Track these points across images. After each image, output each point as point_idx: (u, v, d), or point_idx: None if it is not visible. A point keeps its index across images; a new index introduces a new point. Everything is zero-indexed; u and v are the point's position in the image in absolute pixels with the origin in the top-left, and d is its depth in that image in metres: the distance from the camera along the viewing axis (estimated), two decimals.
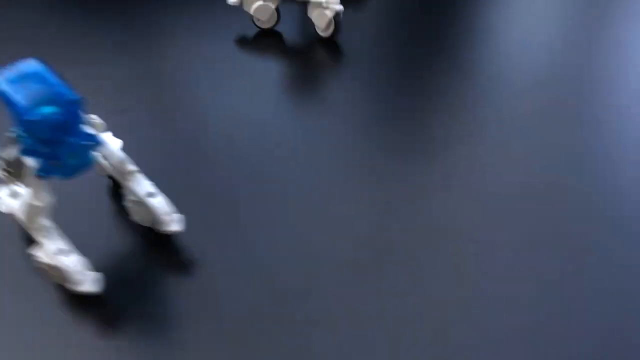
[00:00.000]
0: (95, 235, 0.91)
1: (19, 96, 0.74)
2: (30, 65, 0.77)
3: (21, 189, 0.88)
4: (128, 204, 0.90)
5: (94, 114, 1.05)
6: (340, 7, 1.25)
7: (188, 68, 1.21)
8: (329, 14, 1.25)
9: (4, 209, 0.88)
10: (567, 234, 0.92)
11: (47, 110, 0.73)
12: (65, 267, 0.80)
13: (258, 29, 1.31)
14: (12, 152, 0.80)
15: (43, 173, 0.78)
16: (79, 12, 1.35)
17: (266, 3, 1.26)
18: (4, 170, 0.82)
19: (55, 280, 0.84)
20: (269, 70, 1.22)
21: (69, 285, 0.82)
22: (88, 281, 0.81)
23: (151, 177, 0.97)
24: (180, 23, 1.33)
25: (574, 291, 0.85)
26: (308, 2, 1.27)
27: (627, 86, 1.20)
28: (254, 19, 1.30)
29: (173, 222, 0.88)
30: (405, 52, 1.28)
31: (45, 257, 0.81)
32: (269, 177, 0.99)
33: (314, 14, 1.27)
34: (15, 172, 0.82)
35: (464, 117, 1.11)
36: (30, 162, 0.78)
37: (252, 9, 1.27)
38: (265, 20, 1.29)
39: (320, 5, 1.25)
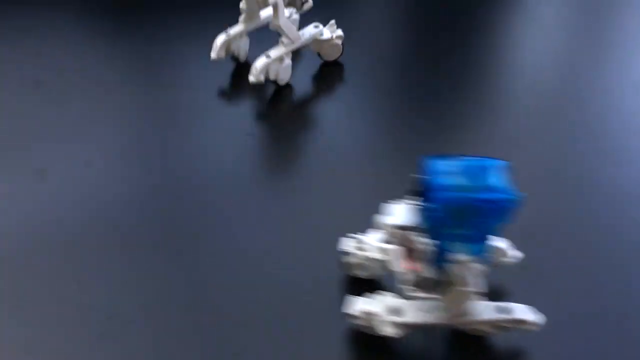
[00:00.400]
0: None
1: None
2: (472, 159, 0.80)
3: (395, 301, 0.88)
4: None
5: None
6: (341, 31, 1.37)
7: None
8: (339, 42, 1.37)
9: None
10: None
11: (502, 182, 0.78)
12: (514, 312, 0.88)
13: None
14: (428, 270, 0.84)
15: (478, 254, 0.81)
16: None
17: (284, 64, 1.29)
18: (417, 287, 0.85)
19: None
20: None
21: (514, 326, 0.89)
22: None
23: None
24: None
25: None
26: (313, 40, 1.34)
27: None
28: (278, 81, 1.31)
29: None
30: (406, 72, 1.42)
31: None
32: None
33: (323, 48, 1.36)
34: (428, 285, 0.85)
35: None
36: (463, 256, 0.81)
37: (275, 73, 1.29)
38: (288, 78, 1.33)
39: (329, 40, 1.35)
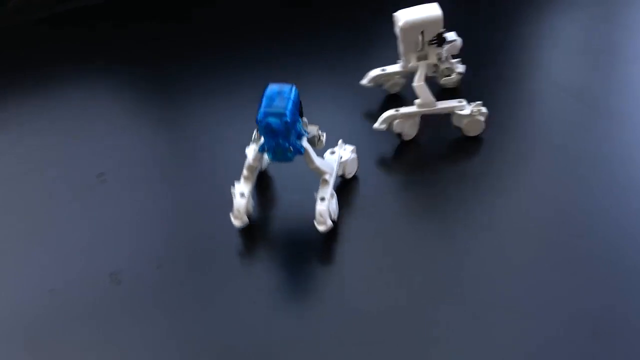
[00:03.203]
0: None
1: (262, 108, 1.10)
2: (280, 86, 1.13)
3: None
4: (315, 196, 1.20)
5: None
6: (485, 109, 1.33)
7: None
8: (481, 118, 1.33)
9: (246, 153, 1.25)
10: None
11: (272, 120, 1.10)
12: (234, 203, 1.19)
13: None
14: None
15: (260, 150, 1.16)
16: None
17: (410, 122, 1.32)
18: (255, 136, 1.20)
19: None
20: None
21: (231, 214, 1.19)
22: (237, 219, 1.19)
23: None
24: None
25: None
26: (453, 113, 1.33)
27: None
28: (402, 136, 1.35)
29: (322, 225, 1.16)
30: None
31: (233, 191, 1.20)
32: None
33: (463, 122, 1.34)
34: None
35: None
36: (260, 139, 1.16)
37: (400, 128, 1.33)
38: (412, 134, 1.35)
39: (470, 115, 1.32)
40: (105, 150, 1.39)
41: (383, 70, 1.42)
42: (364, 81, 1.44)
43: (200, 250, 1.19)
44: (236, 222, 1.17)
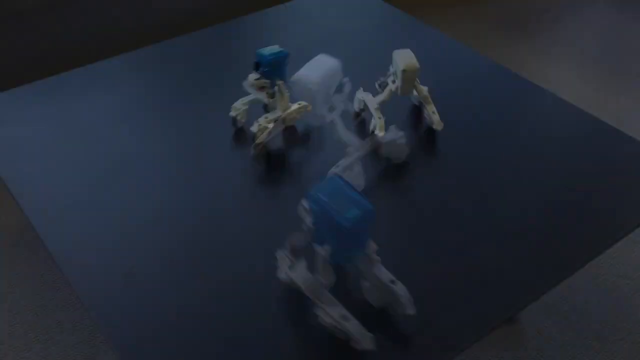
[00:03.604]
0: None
1: (334, 214, 0.92)
2: (333, 179, 0.97)
3: (299, 265, 1.06)
4: (366, 285, 1.07)
5: None
6: (403, 133, 1.39)
7: None
8: (404, 140, 1.38)
9: (282, 277, 1.08)
10: None
11: (356, 215, 0.91)
12: (349, 330, 1.00)
13: None
14: (300, 240, 1.03)
15: (333, 260, 0.97)
16: None
17: (355, 171, 1.31)
18: (291, 258, 1.05)
19: (339, 336, 1.03)
20: None
21: (352, 343, 1.01)
22: (366, 340, 1.00)
23: None
24: None
25: None
26: (379, 146, 1.35)
27: None
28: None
29: (410, 305, 1.03)
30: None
31: (329, 319, 1.01)
32: None
33: (391, 150, 1.37)
34: (296, 256, 1.04)
35: None
36: (321, 250, 0.97)
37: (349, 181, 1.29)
38: (363, 183, 1.34)
39: (394, 141, 1.37)
40: (117, 148, 1.40)
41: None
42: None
43: (215, 250, 1.18)
44: (368, 344, 1.01)
